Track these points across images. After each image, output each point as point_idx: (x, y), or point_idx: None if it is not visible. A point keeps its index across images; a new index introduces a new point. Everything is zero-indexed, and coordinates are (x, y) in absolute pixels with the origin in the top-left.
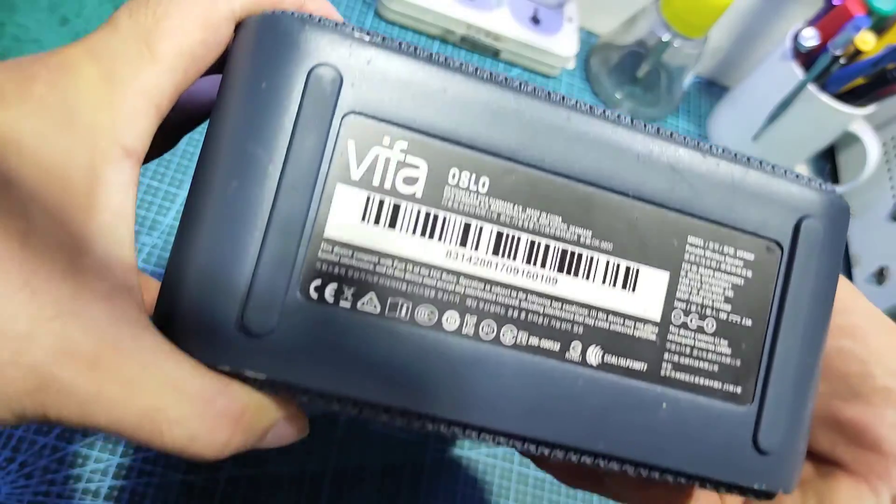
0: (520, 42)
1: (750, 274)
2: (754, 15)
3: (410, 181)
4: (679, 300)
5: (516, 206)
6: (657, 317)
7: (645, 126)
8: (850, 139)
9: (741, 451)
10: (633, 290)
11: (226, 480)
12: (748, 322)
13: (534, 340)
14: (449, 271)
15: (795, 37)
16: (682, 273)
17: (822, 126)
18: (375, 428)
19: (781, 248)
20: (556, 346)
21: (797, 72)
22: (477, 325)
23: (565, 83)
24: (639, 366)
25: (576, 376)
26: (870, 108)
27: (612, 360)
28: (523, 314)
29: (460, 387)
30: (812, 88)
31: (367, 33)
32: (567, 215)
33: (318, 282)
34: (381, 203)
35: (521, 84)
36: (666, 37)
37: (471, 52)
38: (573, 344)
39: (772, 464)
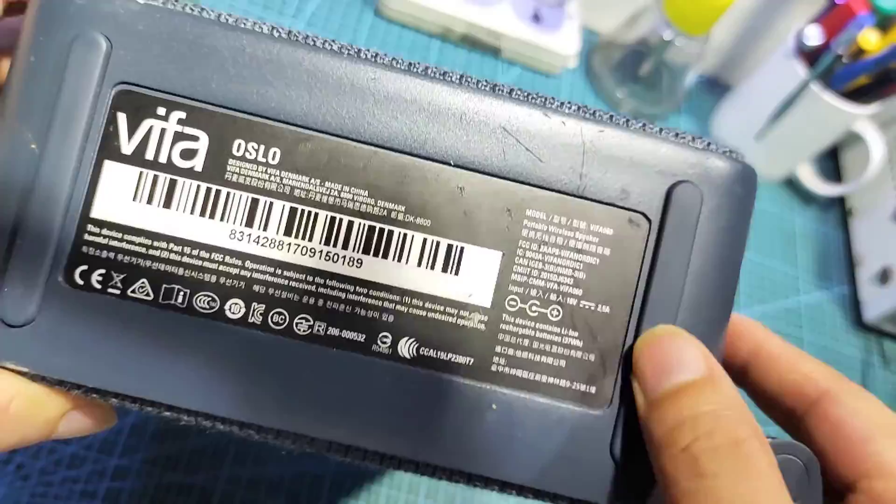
0: (521, 40)
1: (608, 252)
2: (757, 13)
3: (189, 154)
4: (515, 284)
5: (313, 179)
6: (487, 303)
7: (478, 83)
8: (853, 138)
9: (594, 464)
10: (457, 272)
11: (225, 480)
12: (605, 309)
13: (333, 331)
14: (233, 254)
15: (799, 35)
16: (519, 252)
17: (826, 125)
18: None
19: (649, 221)
20: (361, 338)
21: (800, 70)
22: (266, 314)
23: (567, 81)
24: (463, 360)
25: (384, 372)
26: (874, 107)
27: (429, 353)
28: (321, 301)
29: (246, 383)
30: (815, 87)
31: None
32: (374, 188)
33: (84, 267)
34: (156, 179)
35: (323, 42)
36: (668, 35)
37: (471, 50)
38: (382, 335)
39: (635, 479)
